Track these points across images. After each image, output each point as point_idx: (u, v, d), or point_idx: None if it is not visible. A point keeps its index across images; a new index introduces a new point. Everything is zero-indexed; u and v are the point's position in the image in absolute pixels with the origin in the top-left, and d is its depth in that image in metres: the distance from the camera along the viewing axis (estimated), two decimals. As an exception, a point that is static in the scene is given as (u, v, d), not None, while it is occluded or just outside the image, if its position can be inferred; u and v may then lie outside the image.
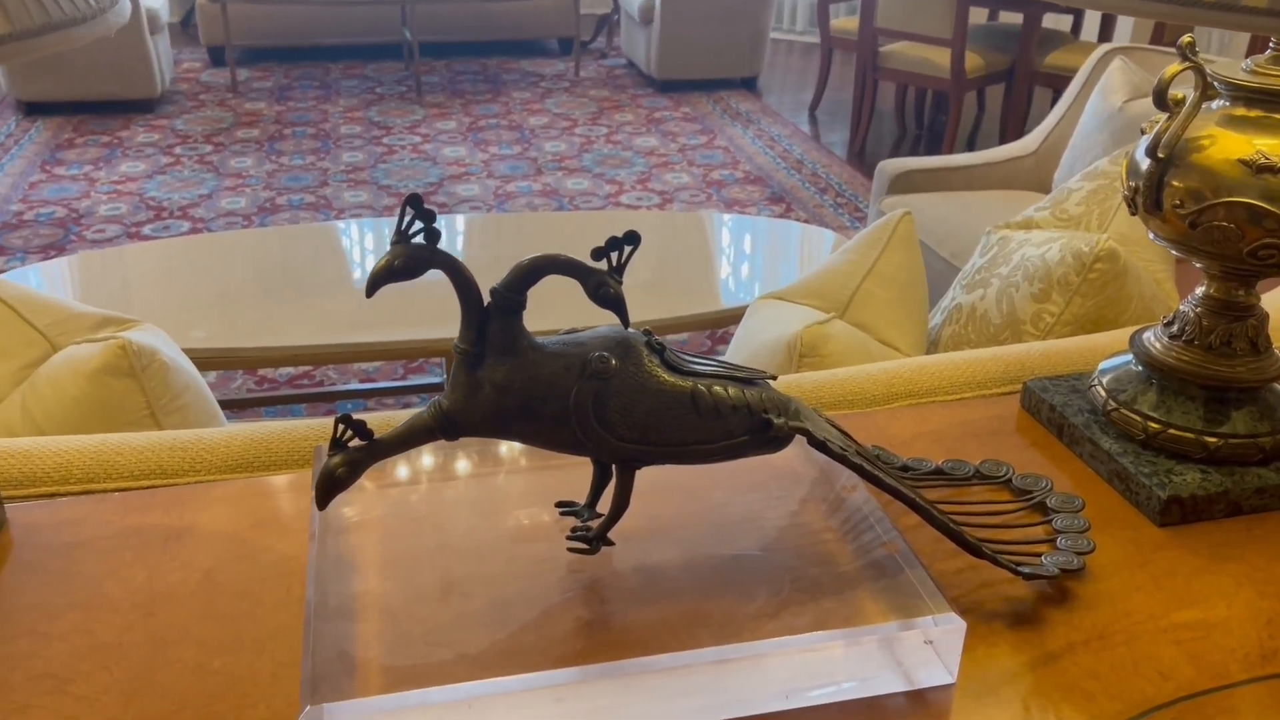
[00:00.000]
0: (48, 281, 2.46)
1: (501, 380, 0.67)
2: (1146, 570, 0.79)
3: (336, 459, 0.67)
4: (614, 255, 0.69)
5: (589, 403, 0.68)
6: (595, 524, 0.76)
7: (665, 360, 0.71)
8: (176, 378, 1.17)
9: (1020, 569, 0.74)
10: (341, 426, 0.67)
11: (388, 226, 3.09)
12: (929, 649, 0.66)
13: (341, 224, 3.76)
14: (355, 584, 0.72)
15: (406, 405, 2.65)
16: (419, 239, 0.66)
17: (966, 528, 0.77)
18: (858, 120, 4.76)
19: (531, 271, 0.68)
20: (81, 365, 1.12)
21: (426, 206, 0.65)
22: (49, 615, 0.75)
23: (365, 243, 2.83)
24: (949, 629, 0.65)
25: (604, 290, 0.68)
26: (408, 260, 0.65)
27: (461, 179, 4.27)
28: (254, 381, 2.70)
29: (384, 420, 0.82)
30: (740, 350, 1.38)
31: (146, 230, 3.72)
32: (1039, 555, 0.77)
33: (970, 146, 4.76)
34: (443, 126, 4.89)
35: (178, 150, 4.48)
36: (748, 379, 0.75)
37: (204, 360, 2.02)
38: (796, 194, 4.20)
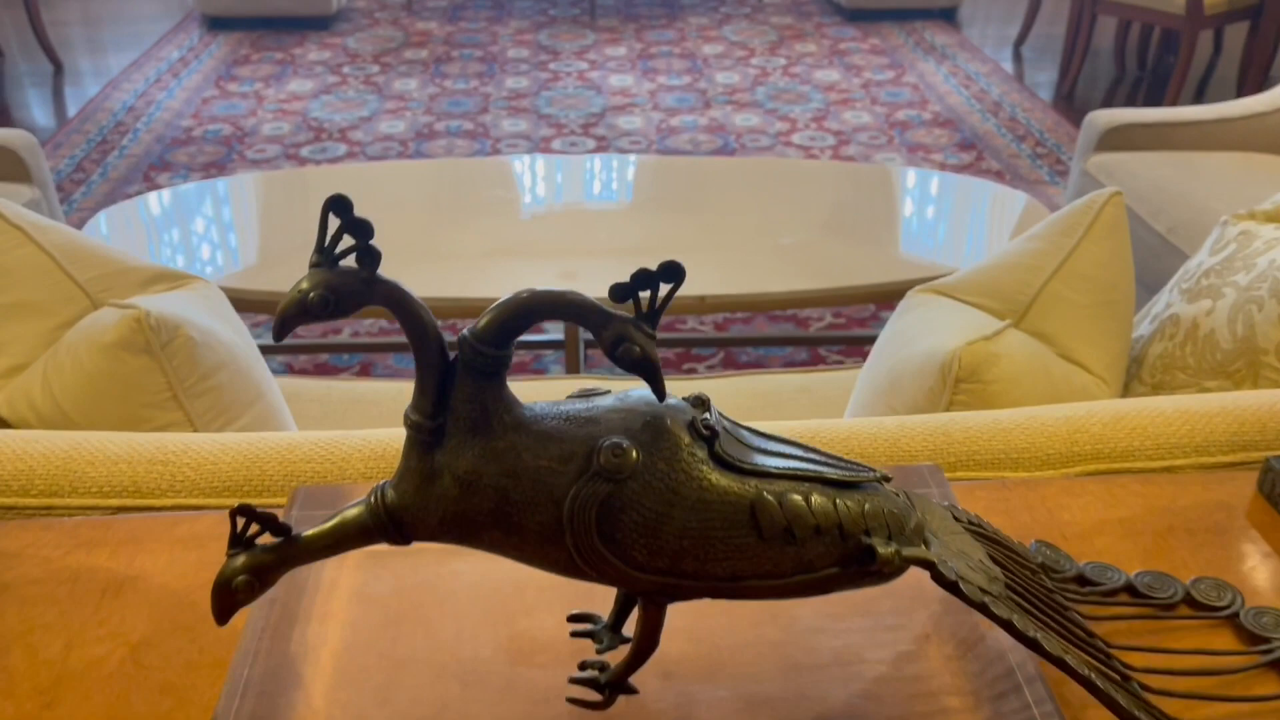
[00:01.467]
0: (178, 205, 2.40)
1: (467, 470, 0.46)
2: None
3: (237, 564, 0.47)
4: (644, 295, 0.46)
5: (592, 515, 0.45)
6: (614, 658, 0.54)
7: (715, 452, 0.48)
8: (207, 355, 1.01)
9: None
10: (241, 520, 0.48)
11: (544, 161, 2.91)
12: None
13: (493, 160, 3.62)
14: (293, 703, 0.53)
15: (537, 370, 2.49)
16: (349, 261, 0.45)
17: (1169, 696, 0.51)
18: (1069, 59, 4.25)
19: (518, 316, 0.46)
20: (98, 336, 0.98)
21: (358, 215, 0.43)
22: None
23: (515, 181, 2.66)
24: None
25: (625, 348, 0.45)
26: (330, 294, 0.43)
27: (625, 110, 4.05)
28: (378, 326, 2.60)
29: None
30: (882, 362, 1.12)
31: (304, 152, 3.67)
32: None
33: (1200, 97, 4.18)
34: (612, 53, 4.66)
35: (345, 70, 4.42)
36: (845, 480, 0.51)
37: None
38: (990, 141, 3.78)
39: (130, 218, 2.31)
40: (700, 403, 0.51)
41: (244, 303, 1.90)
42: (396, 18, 5.10)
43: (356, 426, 1.49)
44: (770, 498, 0.48)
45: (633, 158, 3.25)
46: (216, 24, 4.93)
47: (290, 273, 1.99)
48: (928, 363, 1.00)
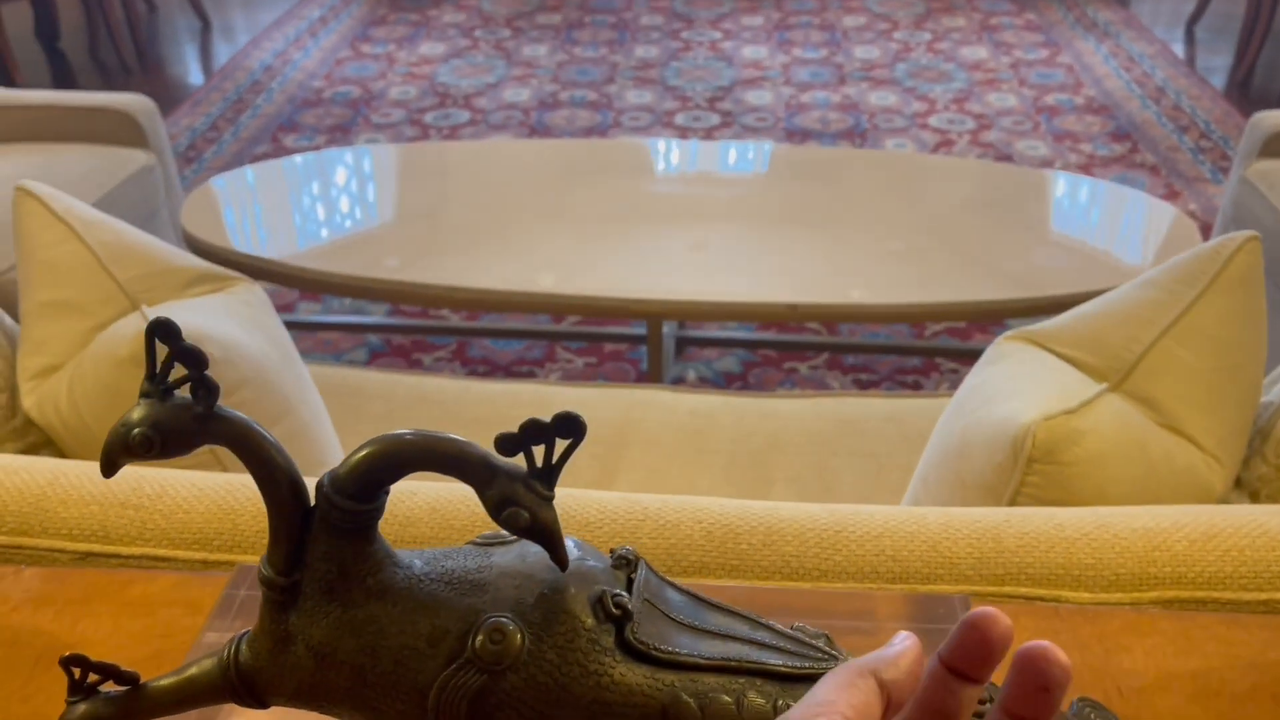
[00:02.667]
0: (276, 177, 2.40)
1: (321, 641, 0.38)
2: None
3: (77, 714, 0.41)
4: (538, 451, 0.37)
5: (461, 711, 0.37)
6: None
7: (626, 638, 0.39)
8: (227, 372, 0.97)
9: None
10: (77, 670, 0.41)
11: (663, 144, 2.83)
12: None
13: (606, 142, 3.55)
14: None
15: (597, 371, 2.41)
16: (183, 393, 0.38)
17: None
18: (1246, 41, 3.89)
19: (384, 466, 0.37)
20: (115, 349, 0.95)
21: (187, 344, 0.36)
22: None
23: (630, 165, 2.57)
24: None
25: (511, 512, 0.37)
26: (154, 433, 0.36)
27: (754, 84, 3.90)
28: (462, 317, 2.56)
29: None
30: (957, 420, 1.00)
31: (428, 119, 3.67)
32: None
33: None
34: (748, 22, 4.50)
35: (477, 33, 4.40)
36: (794, 672, 0.41)
37: (364, 289, 1.87)
38: (1148, 131, 3.49)
39: (235, 190, 2.33)
40: (625, 563, 0.42)
41: (325, 285, 1.89)
42: (534, -21, 5.05)
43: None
44: (689, 700, 0.39)
45: (735, 149, 3.12)
46: (358, -17, 4.99)
47: (375, 257, 1.97)
48: (1000, 433, 0.88)
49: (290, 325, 2.50)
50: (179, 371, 0.37)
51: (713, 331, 2.45)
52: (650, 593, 0.41)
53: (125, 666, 0.65)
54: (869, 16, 4.55)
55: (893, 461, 1.39)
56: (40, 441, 1.06)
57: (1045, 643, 0.30)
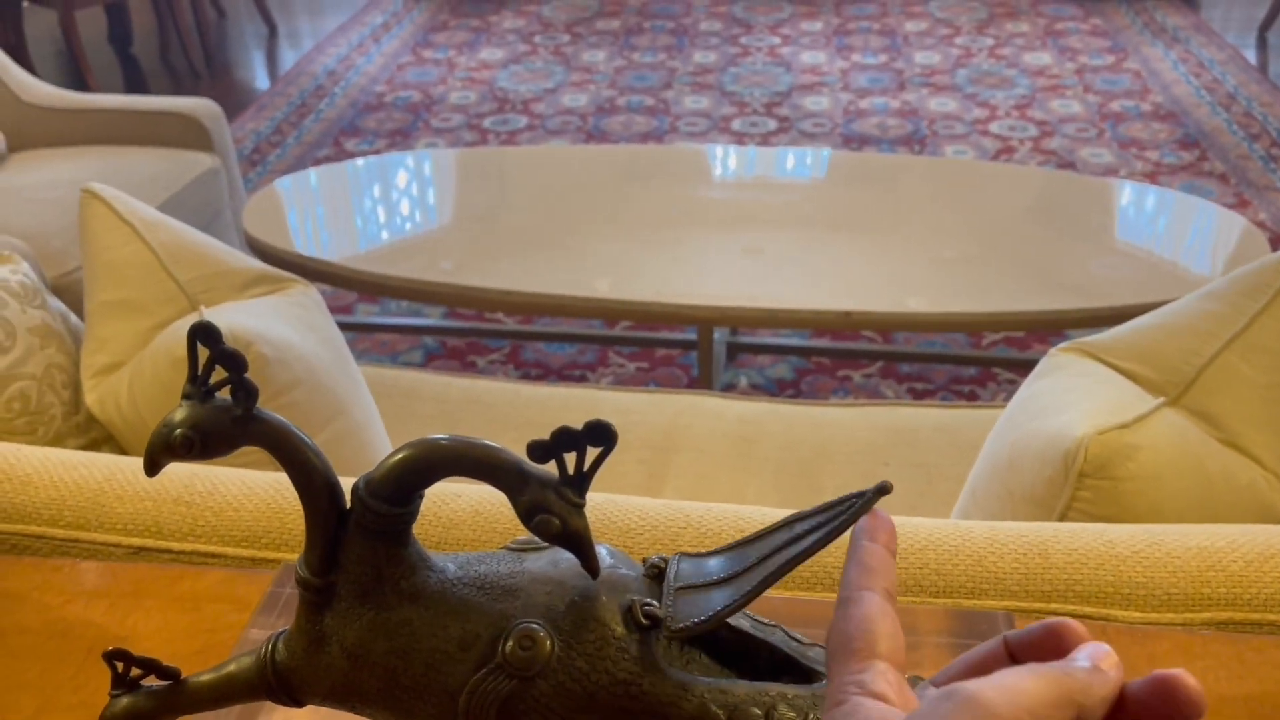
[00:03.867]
0: (337, 180, 2.44)
1: (355, 642, 0.39)
2: None
3: (119, 707, 0.42)
4: (570, 457, 0.38)
5: (491, 716, 0.38)
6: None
7: (651, 648, 0.39)
8: (280, 372, 0.98)
9: None
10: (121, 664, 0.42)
11: (720, 149, 2.82)
12: None
13: (660, 148, 3.56)
14: None
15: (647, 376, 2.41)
16: (225, 394, 0.38)
17: None
18: (1322, 48, 3.77)
19: (417, 470, 0.38)
20: (173, 348, 0.97)
21: (228, 347, 0.37)
22: None
23: (686, 170, 2.58)
24: None
25: (542, 519, 0.37)
26: (195, 434, 0.37)
27: (812, 90, 3.88)
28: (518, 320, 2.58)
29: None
30: (1008, 433, 0.98)
31: (486, 123, 3.70)
32: None
33: None
34: (807, 27, 4.48)
35: (537, 39, 4.44)
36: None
37: (421, 291, 1.89)
38: (1217, 139, 3.41)
39: (296, 192, 2.37)
40: (658, 572, 0.42)
41: (382, 287, 1.91)
42: (593, -15, 5.08)
43: (464, 434, 1.46)
44: (719, 712, 0.39)
45: (793, 155, 3.10)
46: (421, -11, 5.05)
47: (432, 260, 1.99)
48: (1052, 446, 0.86)
49: (348, 326, 2.55)
50: (221, 373, 0.38)
51: (765, 338, 2.44)
52: (683, 579, 0.41)
53: (172, 660, 0.66)
54: (930, 22, 4.50)
55: (942, 473, 1.37)
56: (101, 437, 1.09)
57: (1195, 684, 0.28)
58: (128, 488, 0.77)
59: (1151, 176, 3.20)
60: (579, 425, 0.37)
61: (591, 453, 0.37)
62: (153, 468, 0.38)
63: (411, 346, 2.51)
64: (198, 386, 0.38)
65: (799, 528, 0.42)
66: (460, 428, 1.48)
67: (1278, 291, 0.97)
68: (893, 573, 0.34)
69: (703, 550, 0.72)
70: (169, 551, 0.74)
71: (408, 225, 2.27)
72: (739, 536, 0.72)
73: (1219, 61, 4.00)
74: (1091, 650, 0.31)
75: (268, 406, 0.99)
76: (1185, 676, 0.28)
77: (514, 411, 1.52)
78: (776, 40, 4.36)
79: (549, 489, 0.37)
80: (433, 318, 2.63)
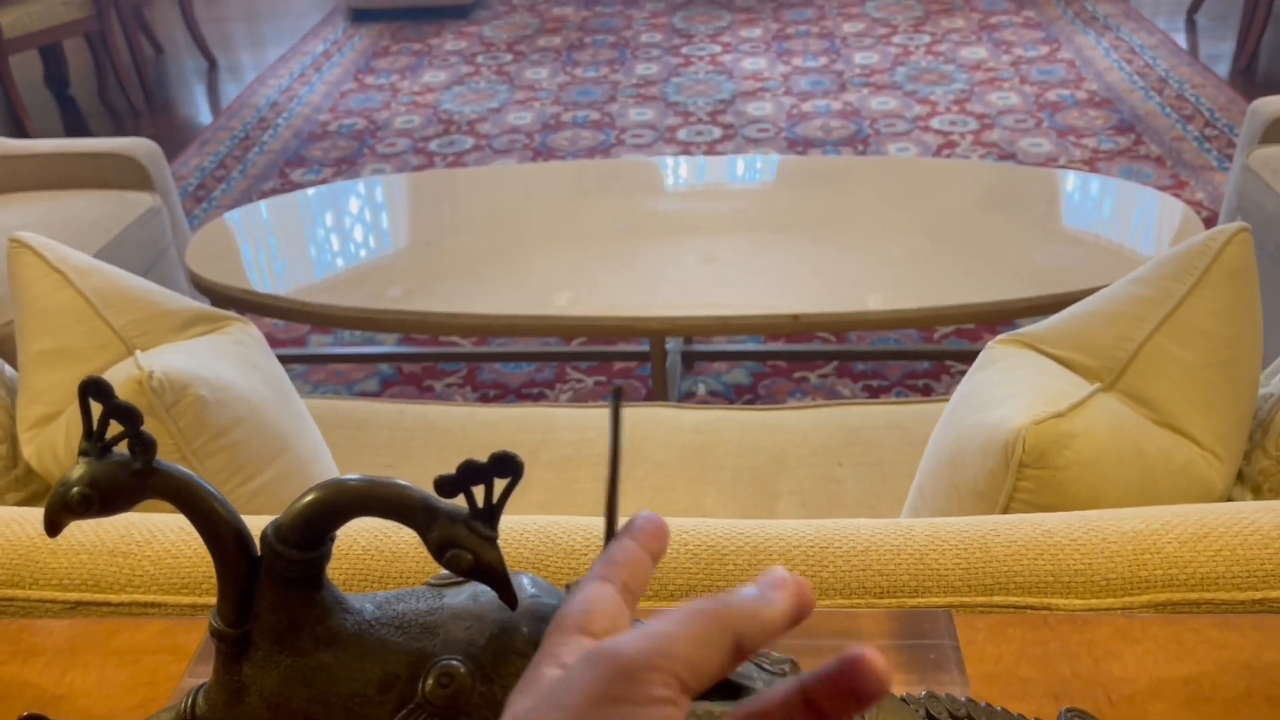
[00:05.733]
0: (284, 212, 2.42)
1: (274, 690, 0.38)
2: None
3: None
4: (478, 490, 0.38)
5: (414, 753, 0.37)
6: None
7: (577, 673, 0.39)
8: (219, 413, 0.97)
9: None
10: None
11: (671, 160, 2.83)
12: None
13: (610, 161, 3.57)
14: None
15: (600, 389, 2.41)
16: (121, 450, 0.38)
17: None
18: (1248, 27, 3.86)
19: (323, 515, 0.38)
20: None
21: (120, 401, 0.36)
22: None
23: (635, 183, 2.58)
24: None
25: (454, 554, 0.37)
26: (95, 492, 0.37)
27: (755, 96, 3.91)
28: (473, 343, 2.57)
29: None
30: (950, 428, 0.99)
31: (432, 146, 3.69)
32: None
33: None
34: (747, 35, 4.51)
35: (479, 59, 4.43)
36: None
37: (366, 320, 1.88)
38: (1152, 122, 3.47)
39: (242, 226, 2.35)
40: (580, 595, 0.42)
41: (330, 318, 1.90)
42: (534, 3, 5.08)
43: (418, 461, 1.45)
44: (642, 732, 0.39)
45: (742, 161, 3.13)
46: (360, 15, 5.03)
47: (382, 287, 1.98)
48: (991, 439, 0.87)
49: (301, 359, 2.53)
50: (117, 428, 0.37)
51: (721, 345, 2.45)
52: None
53: (111, 715, 0.65)
54: (867, 22, 4.55)
55: (896, 470, 1.38)
56: (42, 490, 1.07)
57: (876, 657, 0.27)
58: (63, 542, 0.75)
59: (1090, 163, 3.25)
60: (503, 453, 0.37)
61: (499, 486, 0.37)
62: (53, 528, 0.38)
63: (367, 375, 2.49)
64: (94, 443, 0.37)
65: None
66: (414, 455, 1.47)
67: (1203, 272, 0.99)
68: (641, 570, 0.33)
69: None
70: (107, 604, 0.73)
71: (361, 252, 2.25)
72: (682, 552, 0.73)
73: (1150, 46, 4.07)
74: (767, 578, 0.31)
75: (208, 447, 0.98)
76: (869, 655, 0.27)
77: (468, 435, 1.51)
78: (717, 48, 4.39)
79: (459, 524, 0.37)
80: (388, 344, 2.61)
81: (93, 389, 0.36)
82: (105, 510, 0.37)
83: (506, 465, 0.36)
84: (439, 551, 0.37)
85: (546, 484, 1.40)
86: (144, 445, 0.37)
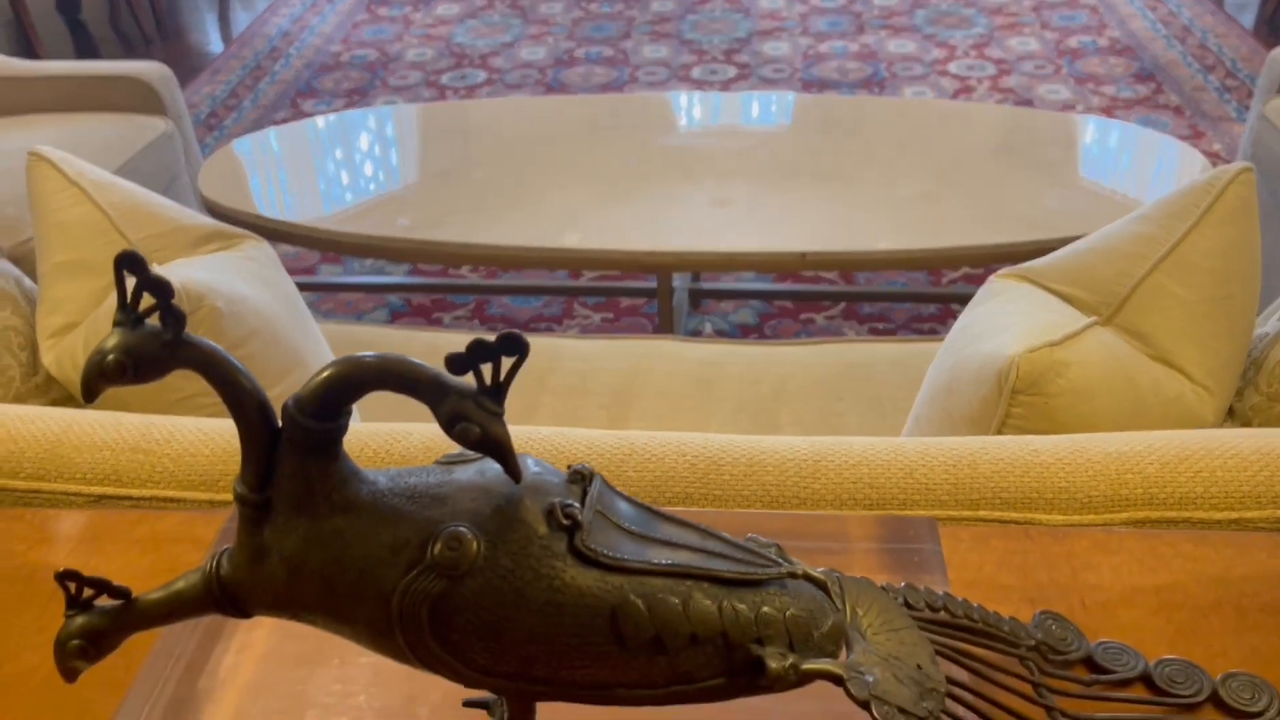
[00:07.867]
0: (295, 140, 2.43)
1: (293, 552, 0.41)
2: None
3: (74, 626, 0.44)
4: (486, 368, 0.40)
5: (423, 614, 0.40)
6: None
7: (575, 545, 0.42)
8: (234, 325, 1.00)
9: None
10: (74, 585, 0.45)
11: (685, 97, 2.82)
12: None
13: (623, 97, 3.55)
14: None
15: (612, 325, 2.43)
16: (154, 321, 0.40)
17: None
18: (1275, -23, 3.80)
19: (340, 388, 0.40)
20: (127, 305, 0.98)
21: (154, 274, 0.38)
22: None
23: (648, 120, 2.58)
24: None
25: (462, 427, 0.39)
26: (127, 359, 0.39)
27: (771, 35, 3.87)
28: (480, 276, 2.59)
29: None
30: (947, 358, 1.01)
31: (444, 80, 3.68)
32: None
33: None
34: (765, -28, 4.46)
35: (494, -8, 4.39)
36: (741, 578, 0.44)
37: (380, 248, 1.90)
38: (1173, 71, 3.44)
39: (253, 153, 2.36)
40: (580, 477, 0.44)
41: (341, 244, 1.92)
42: (550, -64, 5.01)
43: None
44: (636, 600, 0.41)
45: (757, 100, 3.11)
46: (374, -55, 4.97)
47: (393, 217, 1.99)
48: (986, 367, 0.89)
49: (312, 287, 2.55)
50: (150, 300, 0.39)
51: (727, 283, 2.46)
52: (603, 505, 0.44)
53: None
54: (888, -37, 4.48)
55: (896, 405, 1.40)
56: (61, 397, 1.10)
57: None
58: (85, 438, 0.78)
59: (1108, 111, 3.22)
60: (510, 332, 0.39)
61: (506, 365, 0.39)
62: (89, 394, 0.40)
63: (376, 305, 2.51)
64: (128, 314, 0.40)
65: (710, 544, 0.45)
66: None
67: (1204, 212, 1.00)
68: None
69: (647, 479, 0.75)
70: (129, 498, 0.76)
71: (371, 184, 2.26)
72: (680, 461, 0.75)
73: (1174, -6, 4.02)
74: None
75: (223, 358, 1.00)
76: None
77: (476, 361, 1.54)
78: (735, -15, 4.33)
79: (467, 398, 0.39)
80: (397, 275, 2.63)
81: (128, 262, 0.38)
82: (138, 378, 0.39)
83: (513, 344, 0.39)
84: (449, 424, 0.39)
85: (552, 409, 1.42)
86: (175, 318, 0.39)
